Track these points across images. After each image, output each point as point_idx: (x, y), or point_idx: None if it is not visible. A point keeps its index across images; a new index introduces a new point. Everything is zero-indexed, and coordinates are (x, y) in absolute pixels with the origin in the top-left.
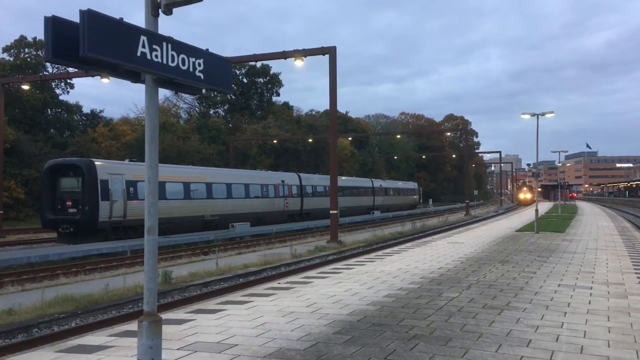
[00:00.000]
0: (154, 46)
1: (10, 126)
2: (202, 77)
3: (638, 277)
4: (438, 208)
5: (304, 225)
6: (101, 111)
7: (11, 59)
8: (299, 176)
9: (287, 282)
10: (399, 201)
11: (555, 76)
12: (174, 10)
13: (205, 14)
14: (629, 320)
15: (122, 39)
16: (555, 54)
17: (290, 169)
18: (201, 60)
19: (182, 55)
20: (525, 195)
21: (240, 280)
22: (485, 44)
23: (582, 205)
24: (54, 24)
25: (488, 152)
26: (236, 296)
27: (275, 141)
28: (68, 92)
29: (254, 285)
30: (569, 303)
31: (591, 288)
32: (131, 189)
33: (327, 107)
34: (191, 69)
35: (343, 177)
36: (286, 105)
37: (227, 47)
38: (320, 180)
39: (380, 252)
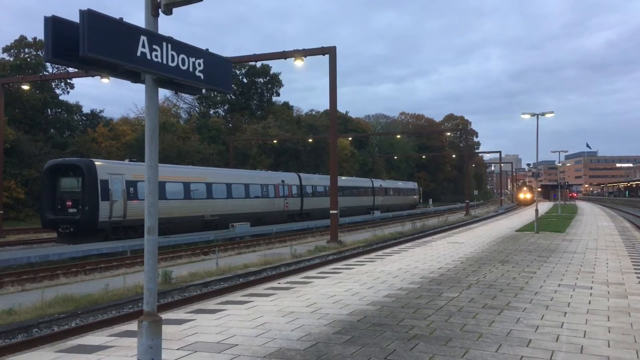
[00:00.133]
0: (154, 46)
1: (10, 126)
2: (202, 77)
3: (638, 277)
4: (438, 208)
5: (304, 225)
6: (101, 111)
7: (11, 59)
8: (299, 176)
9: (287, 282)
10: (399, 201)
11: (555, 76)
12: (174, 10)
13: (205, 14)
14: (629, 320)
15: (122, 39)
16: (555, 54)
17: (290, 169)
18: (201, 60)
19: (182, 55)
20: (525, 195)
21: (240, 280)
22: (485, 44)
23: (582, 205)
24: (54, 24)
25: (488, 152)
26: (236, 296)
27: (275, 141)
28: (68, 92)
29: (254, 285)
30: (569, 303)
31: (591, 288)
32: (131, 189)
33: (327, 107)
34: (191, 69)
35: (343, 177)
36: (286, 105)
37: (227, 47)
38: (320, 180)
39: (380, 252)
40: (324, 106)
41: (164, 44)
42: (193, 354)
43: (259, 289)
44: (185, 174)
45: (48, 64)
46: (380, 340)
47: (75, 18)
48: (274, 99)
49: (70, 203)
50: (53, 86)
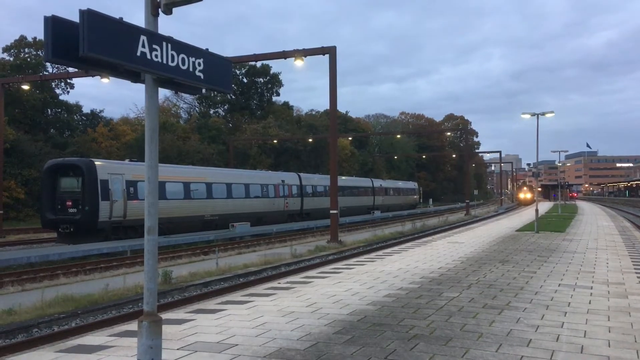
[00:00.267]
0: (154, 46)
1: (10, 126)
2: (202, 77)
3: (638, 277)
4: (438, 208)
5: (304, 225)
6: (101, 111)
7: (11, 59)
8: (299, 176)
9: (287, 282)
10: (399, 201)
11: (555, 76)
12: (174, 10)
13: (206, 14)
14: (629, 320)
15: (122, 38)
16: (555, 53)
17: (291, 168)
18: (201, 60)
19: (182, 55)
20: (525, 195)
21: (241, 280)
22: (486, 43)
23: (582, 205)
24: (53, 24)
25: (488, 152)
26: (236, 296)
27: (275, 141)
28: (68, 92)
29: (254, 285)
30: (569, 303)
31: (591, 288)
32: (131, 188)
33: (327, 107)
34: (191, 69)
35: (343, 177)
36: (286, 105)
37: (227, 47)
38: (320, 180)
39: (380, 252)
40: (324, 106)
41: (164, 43)
42: (193, 354)
43: (259, 288)
44: (185, 173)
45: (48, 64)
46: (381, 340)
47: (75, 18)
48: (274, 98)
49: (70, 203)
50: (53, 86)
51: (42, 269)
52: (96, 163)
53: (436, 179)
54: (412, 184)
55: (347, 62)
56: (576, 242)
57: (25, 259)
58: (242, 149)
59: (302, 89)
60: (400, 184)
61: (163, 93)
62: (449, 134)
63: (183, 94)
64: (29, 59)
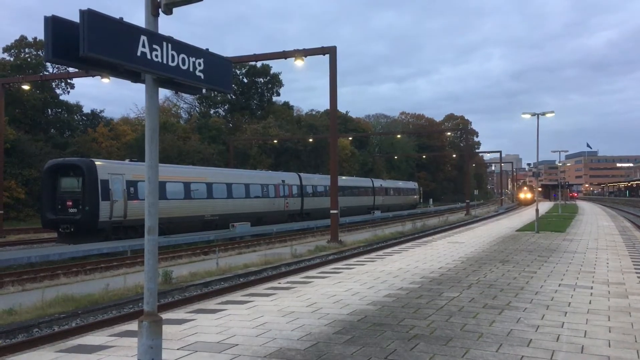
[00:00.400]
0: (154, 46)
1: (10, 126)
2: (202, 77)
3: (638, 277)
4: (438, 208)
5: (304, 225)
6: (101, 111)
7: (11, 59)
8: (300, 176)
9: (288, 282)
10: (400, 201)
11: (556, 76)
12: (174, 10)
13: (206, 14)
14: (629, 320)
15: (122, 38)
16: (556, 53)
17: (291, 168)
18: (201, 60)
19: (182, 55)
20: (525, 195)
21: (241, 280)
22: (486, 43)
23: (583, 205)
24: (54, 24)
25: (488, 152)
26: (236, 296)
27: (275, 141)
28: (68, 92)
29: (255, 285)
30: (570, 303)
31: (592, 288)
32: (131, 189)
33: (328, 106)
34: (191, 69)
35: (343, 177)
36: (286, 105)
37: (227, 47)
38: (320, 180)
39: (380, 252)
40: (324, 106)
41: (164, 43)
42: (193, 354)
43: (260, 288)
44: (185, 173)
45: (48, 64)
46: (381, 340)
47: (75, 18)
48: (274, 98)
49: (70, 203)
50: (53, 86)
51: (42, 269)
52: (96, 163)
53: (436, 179)
54: (412, 184)
55: (347, 62)
56: (576, 242)
57: (26, 259)
58: (242, 149)
59: (302, 89)
60: (401, 184)
61: (163, 93)
62: (449, 134)
63: (183, 94)
64: (29, 59)
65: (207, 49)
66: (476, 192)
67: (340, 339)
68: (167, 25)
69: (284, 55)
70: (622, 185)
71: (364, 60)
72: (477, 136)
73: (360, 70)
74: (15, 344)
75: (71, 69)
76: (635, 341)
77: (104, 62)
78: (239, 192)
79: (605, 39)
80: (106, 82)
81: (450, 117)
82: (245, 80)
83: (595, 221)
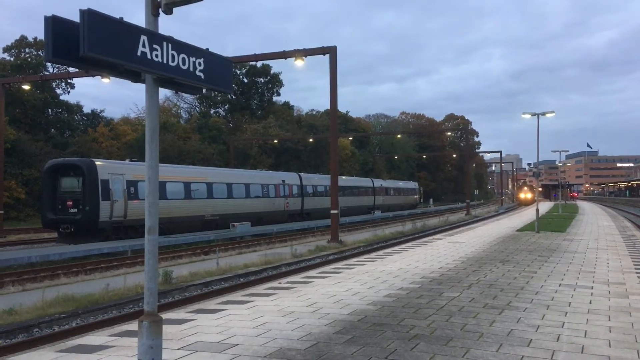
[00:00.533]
0: (154, 46)
1: (10, 126)
2: (203, 77)
3: (639, 277)
4: (439, 208)
5: (305, 225)
6: (102, 111)
7: (12, 59)
8: (300, 176)
9: (288, 282)
10: (400, 201)
11: (556, 76)
12: (175, 9)
13: (206, 14)
14: (629, 319)
15: (122, 38)
16: (556, 53)
17: (291, 168)
18: (201, 60)
19: (182, 55)
20: (525, 194)
21: (241, 280)
22: (486, 43)
23: (583, 204)
24: (54, 24)
25: (489, 152)
26: (237, 296)
27: (275, 141)
28: (69, 92)
29: (255, 285)
30: (570, 303)
31: (592, 288)
32: (132, 188)
33: (328, 106)
34: (191, 69)
35: (344, 177)
36: (287, 105)
37: (227, 47)
38: (320, 180)
39: (380, 252)
40: (325, 106)
41: (165, 43)
42: (194, 354)
43: (260, 288)
44: (185, 173)
45: (48, 64)
46: (381, 340)
47: (76, 18)
48: (275, 98)
49: (70, 203)
50: (53, 86)
51: (42, 269)
52: (97, 163)
53: (436, 178)
54: (412, 184)
55: (347, 62)
56: (577, 242)
57: (26, 258)
58: (242, 149)
59: (303, 88)
60: (401, 183)
61: (163, 93)
62: (449, 133)
63: (183, 94)
64: (29, 59)
65: (208, 49)
66: (476, 192)
67: (341, 339)
68: (167, 25)
69: (284, 55)
70: (622, 185)
71: (364, 60)
72: (477, 136)
73: (360, 70)
74: (16, 344)
75: (71, 69)
76: (636, 341)
77: (104, 62)
78: (239, 192)
79: (605, 39)
80: (106, 82)
81: (450, 117)
82: (245, 80)
83: (595, 221)
